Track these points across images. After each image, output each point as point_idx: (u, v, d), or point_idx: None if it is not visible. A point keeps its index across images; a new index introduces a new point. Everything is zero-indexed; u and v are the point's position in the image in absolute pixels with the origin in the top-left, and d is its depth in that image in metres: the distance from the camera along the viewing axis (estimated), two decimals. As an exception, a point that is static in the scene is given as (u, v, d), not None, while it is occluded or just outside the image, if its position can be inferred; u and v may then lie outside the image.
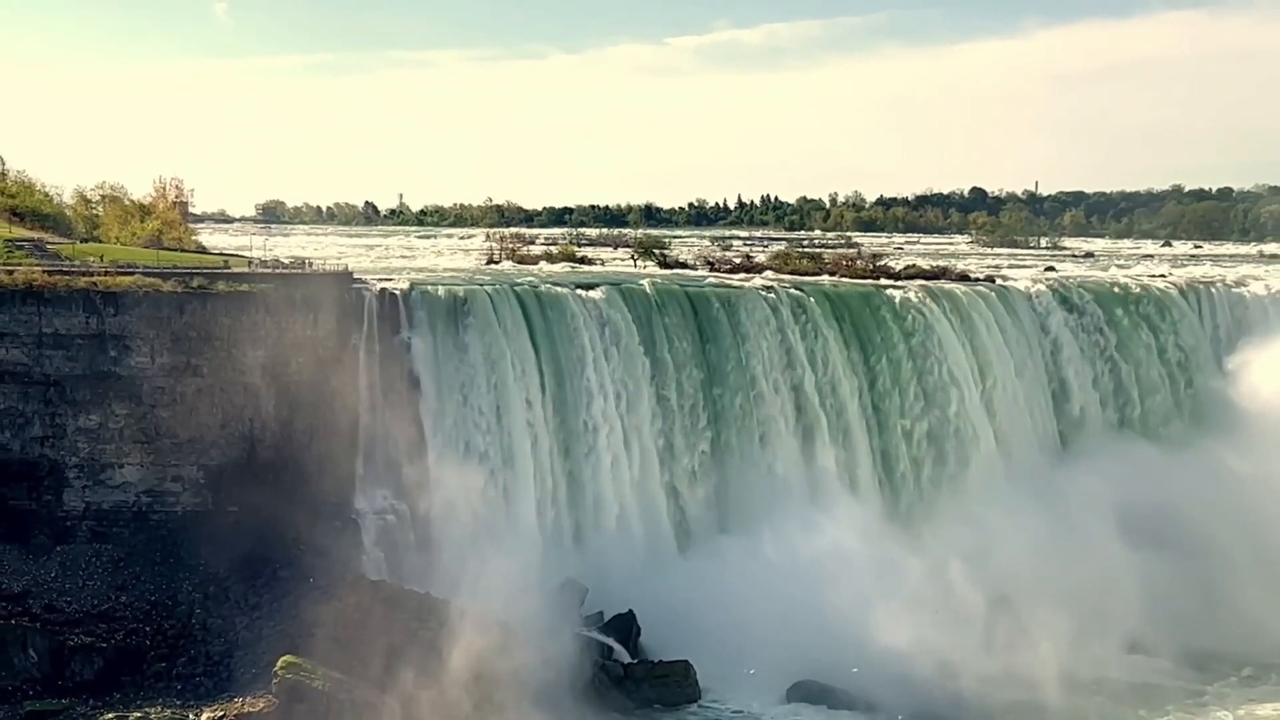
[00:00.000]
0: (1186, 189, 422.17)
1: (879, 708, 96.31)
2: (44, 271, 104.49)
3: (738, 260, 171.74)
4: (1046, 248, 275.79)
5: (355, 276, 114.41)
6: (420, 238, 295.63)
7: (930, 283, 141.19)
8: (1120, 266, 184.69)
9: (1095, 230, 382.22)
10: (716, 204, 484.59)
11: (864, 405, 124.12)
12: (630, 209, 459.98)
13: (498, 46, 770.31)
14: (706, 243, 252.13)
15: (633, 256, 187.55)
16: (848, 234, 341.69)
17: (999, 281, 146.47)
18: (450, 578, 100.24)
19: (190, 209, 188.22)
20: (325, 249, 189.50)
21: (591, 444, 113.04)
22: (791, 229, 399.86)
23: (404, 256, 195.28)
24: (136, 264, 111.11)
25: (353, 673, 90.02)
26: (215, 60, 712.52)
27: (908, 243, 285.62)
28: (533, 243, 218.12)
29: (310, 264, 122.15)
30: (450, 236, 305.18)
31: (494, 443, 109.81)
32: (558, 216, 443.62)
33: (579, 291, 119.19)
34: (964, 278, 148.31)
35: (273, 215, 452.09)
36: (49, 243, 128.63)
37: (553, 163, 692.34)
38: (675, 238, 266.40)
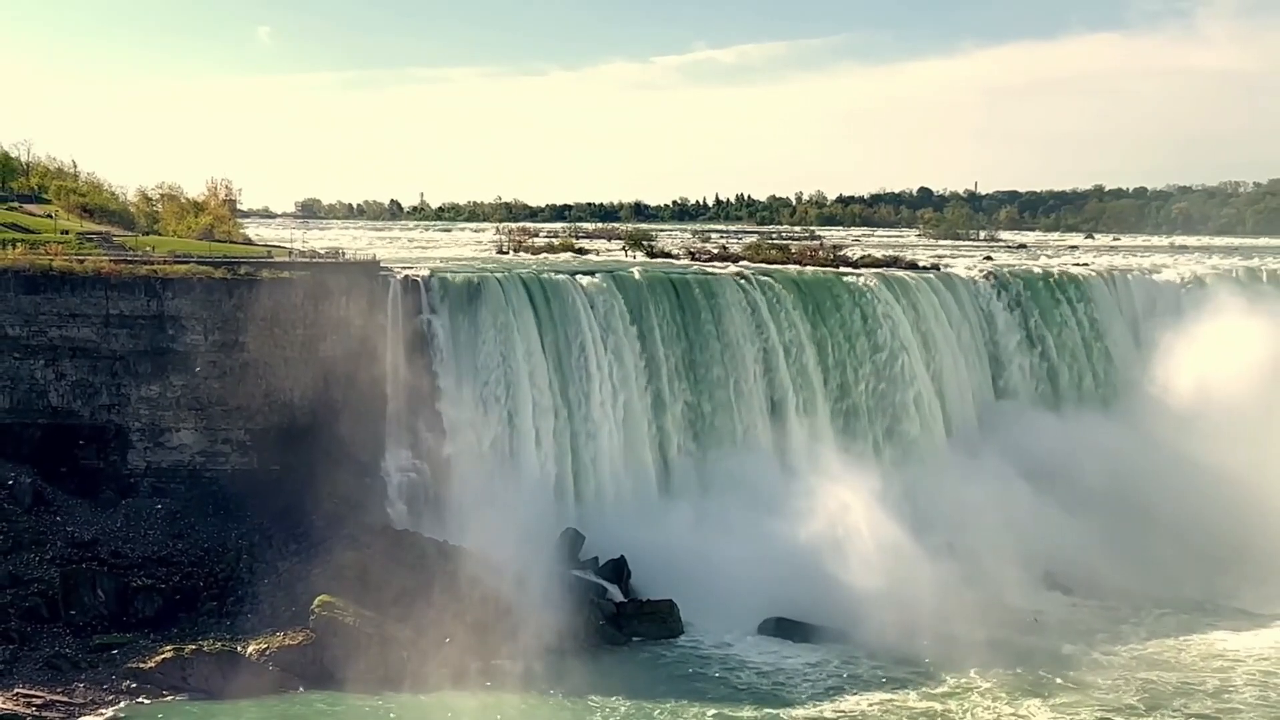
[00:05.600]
0: (1107, 189, 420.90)
1: (836, 638, 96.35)
2: (111, 260, 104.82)
3: (716, 250, 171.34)
4: (985, 240, 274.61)
5: (382, 265, 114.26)
6: (439, 231, 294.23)
7: (884, 270, 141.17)
8: (1049, 256, 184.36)
9: (1027, 224, 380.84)
10: (697, 201, 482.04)
11: (825, 374, 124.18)
12: (622, 206, 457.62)
13: (505, 65, 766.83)
14: (688, 235, 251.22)
15: (624, 247, 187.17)
16: (811, 228, 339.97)
17: (943, 269, 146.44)
18: (465, 527, 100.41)
19: (238, 206, 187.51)
20: (356, 241, 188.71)
21: (588, 410, 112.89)
22: (762, 224, 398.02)
23: (425, 247, 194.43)
24: (191, 254, 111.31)
25: (380, 610, 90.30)
26: (259, 77, 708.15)
27: (864, 235, 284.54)
28: (537, 235, 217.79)
29: (343, 254, 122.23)
30: (465, 230, 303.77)
31: (503, 409, 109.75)
32: (559, 212, 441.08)
33: (577, 277, 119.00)
34: (913, 266, 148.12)
35: (310, 211, 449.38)
36: (115, 235, 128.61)
37: (554, 165, 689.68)
38: (661, 231, 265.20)
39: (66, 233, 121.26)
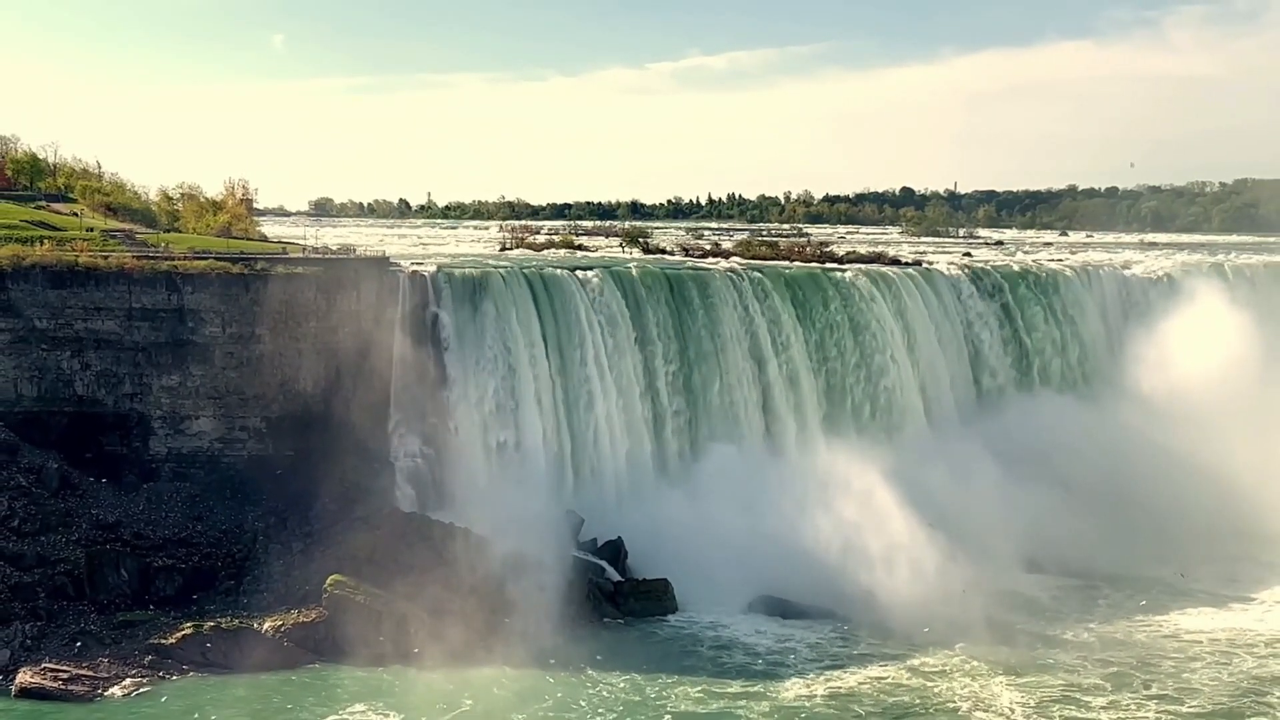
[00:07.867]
0: (1080, 188, 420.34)
1: (824, 617, 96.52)
2: (133, 257, 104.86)
3: (708, 247, 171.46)
4: (964, 237, 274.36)
5: (391, 261, 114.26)
6: (445, 229, 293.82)
7: (868, 266, 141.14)
8: (1025, 252, 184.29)
9: (1004, 222, 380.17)
10: (691, 200, 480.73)
11: (812, 365, 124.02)
12: (619, 204, 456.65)
13: (508, 70, 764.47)
14: (682, 233, 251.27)
15: (621, 244, 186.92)
16: (799, 225, 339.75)
17: (924, 265, 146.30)
18: (469, 510, 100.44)
19: (254, 204, 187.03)
20: (366, 238, 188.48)
21: (587, 399, 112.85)
22: (753, 221, 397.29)
23: (432, 244, 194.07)
24: (210, 251, 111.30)
25: (388, 588, 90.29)
26: (274, 81, 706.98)
27: (849, 233, 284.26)
28: (538, 233, 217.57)
29: (354, 250, 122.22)
30: (470, 228, 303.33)
31: (506, 397, 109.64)
32: (559, 211, 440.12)
33: (577, 273, 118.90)
34: (896, 262, 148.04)
35: (322, 210, 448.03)
36: (137, 233, 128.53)
37: (554, 166, 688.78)
38: (656, 228, 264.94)
39: (91, 230, 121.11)
